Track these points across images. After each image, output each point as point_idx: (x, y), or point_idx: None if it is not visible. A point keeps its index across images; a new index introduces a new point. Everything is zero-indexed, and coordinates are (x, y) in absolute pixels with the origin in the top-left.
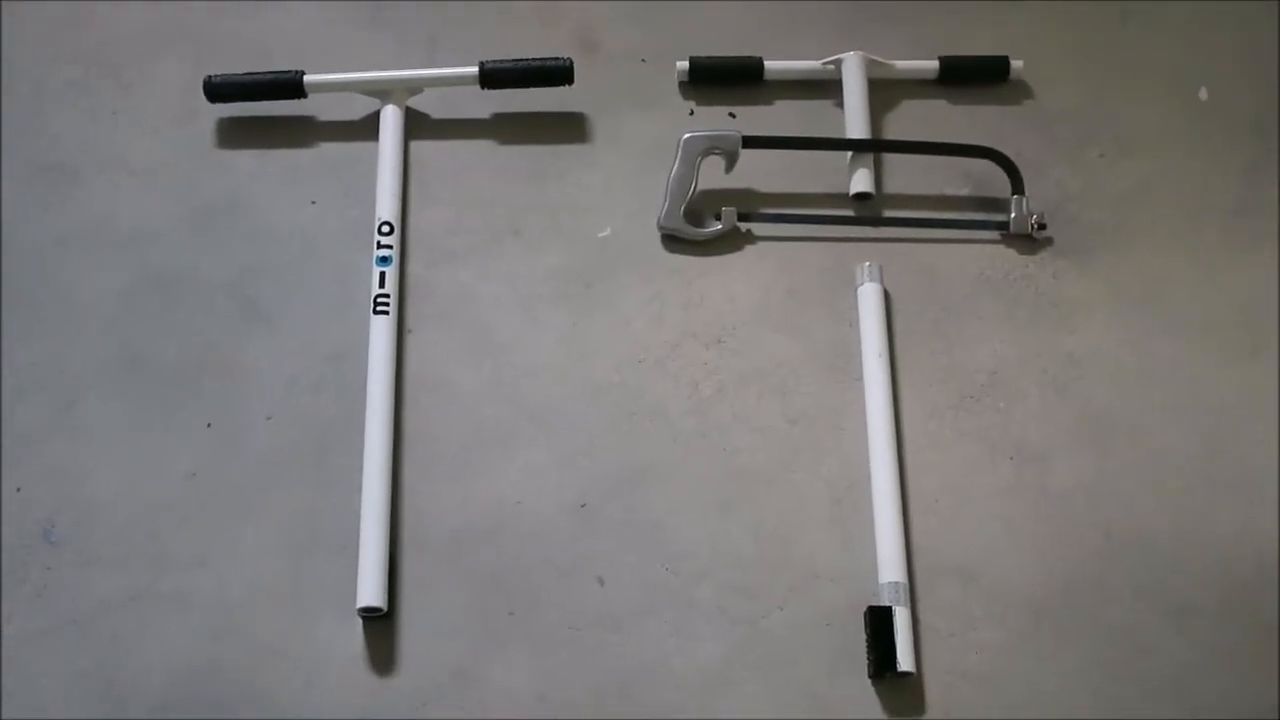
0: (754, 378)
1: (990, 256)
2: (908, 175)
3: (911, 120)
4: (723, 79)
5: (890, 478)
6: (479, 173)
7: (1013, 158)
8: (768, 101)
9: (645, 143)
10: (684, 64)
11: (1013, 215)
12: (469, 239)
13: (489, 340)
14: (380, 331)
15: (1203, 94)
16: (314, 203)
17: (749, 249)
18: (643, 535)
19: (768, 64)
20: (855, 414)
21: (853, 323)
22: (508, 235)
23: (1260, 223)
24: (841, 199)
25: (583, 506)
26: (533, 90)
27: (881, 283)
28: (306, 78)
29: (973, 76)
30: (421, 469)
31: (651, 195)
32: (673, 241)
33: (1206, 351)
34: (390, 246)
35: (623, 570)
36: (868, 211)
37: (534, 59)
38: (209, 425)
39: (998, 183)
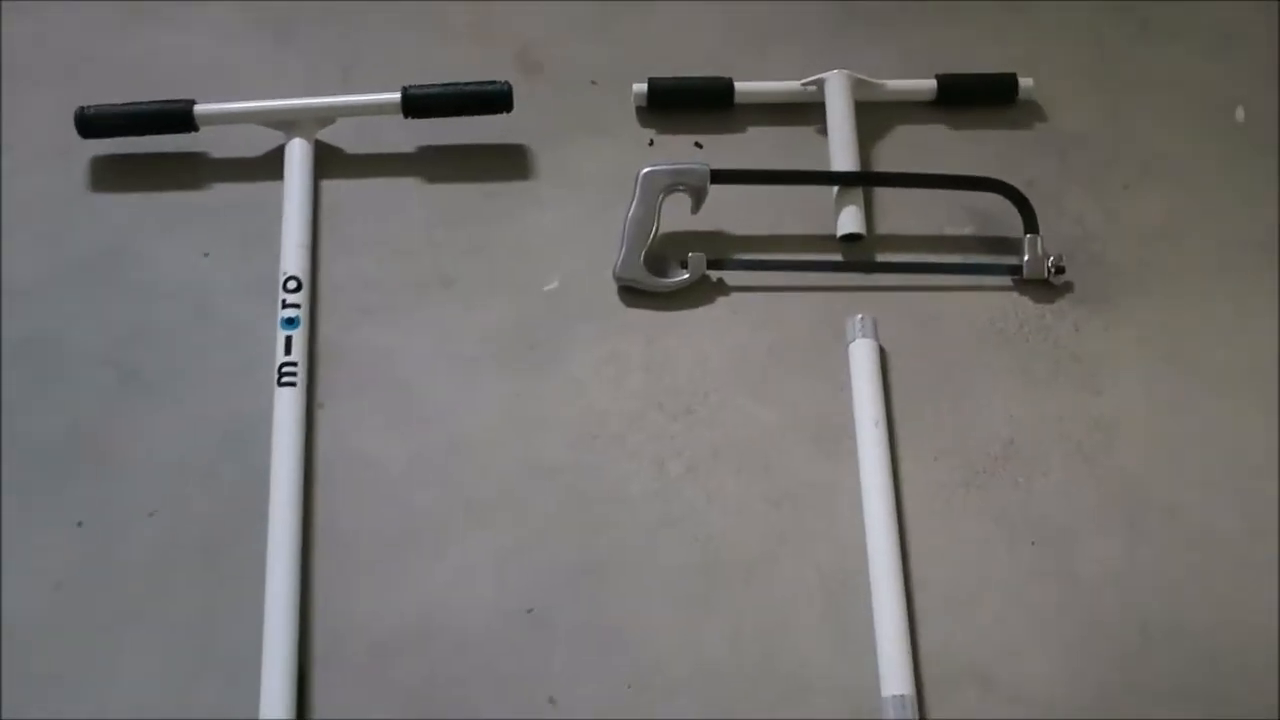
0: (730, 453)
1: (1001, 305)
2: (903, 213)
3: (907, 148)
4: (687, 103)
5: (892, 568)
6: (403, 216)
7: (1024, 190)
8: (739, 129)
9: (598, 178)
10: (641, 86)
11: (1026, 257)
12: (392, 294)
13: (416, 413)
14: (286, 406)
15: (1239, 114)
16: (207, 255)
17: (721, 301)
18: (601, 644)
19: (739, 85)
20: (849, 493)
21: (844, 385)
22: (437, 289)
23: None
24: (828, 241)
25: (529, 611)
26: (466, 119)
27: (876, 338)
28: (197, 108)
29: (976, 97)
30: (336, 568)
31: (606, 240)
32: (632, 294)
33: (1250, 413)
34: (298, 305)
35: (578, 687)
36: (858, 255)
37: (466, 83)
38: (80, 524)
39: (1008, 220)
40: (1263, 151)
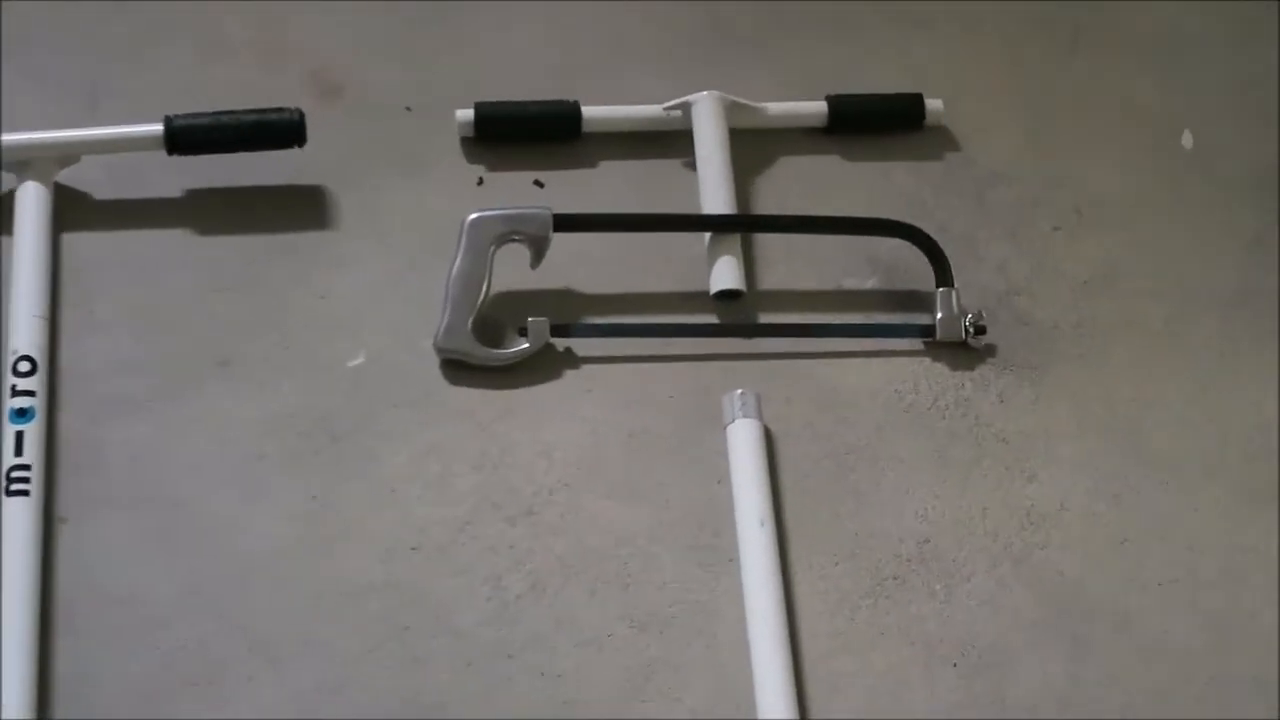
0: (583, 565)
1: (911, 374)
2: (791, 263)
3: (794, 185)
4: (524, 133)
5: (785, 701)
6: (168, 278)
7: (935, 235)
8: (589, 163)
9: (414, 227)
10: (467, 113)
11: (939, 315)
12: (154, 376)
13: (186, 527)
14: (17, 520)
15: (1186, 140)
16: None
17: (570, 376)
18: None
19: (587, 111)
20: (731, 611)
21: (722, 477)
22: (212, 369)
23: (1268, 317)
24: (700, 300)
25: None
26: (247, 156)
27: (760, 417)
28: None
29: (875, 123)
30: None
31: (425, 302)
32: (458, 369)
33: (1207, 501)
34: (32, 392)
35: None
36: (737, 316)
37: (247, 110)
38: None
39: (916, 270)
40: (1215, 186)
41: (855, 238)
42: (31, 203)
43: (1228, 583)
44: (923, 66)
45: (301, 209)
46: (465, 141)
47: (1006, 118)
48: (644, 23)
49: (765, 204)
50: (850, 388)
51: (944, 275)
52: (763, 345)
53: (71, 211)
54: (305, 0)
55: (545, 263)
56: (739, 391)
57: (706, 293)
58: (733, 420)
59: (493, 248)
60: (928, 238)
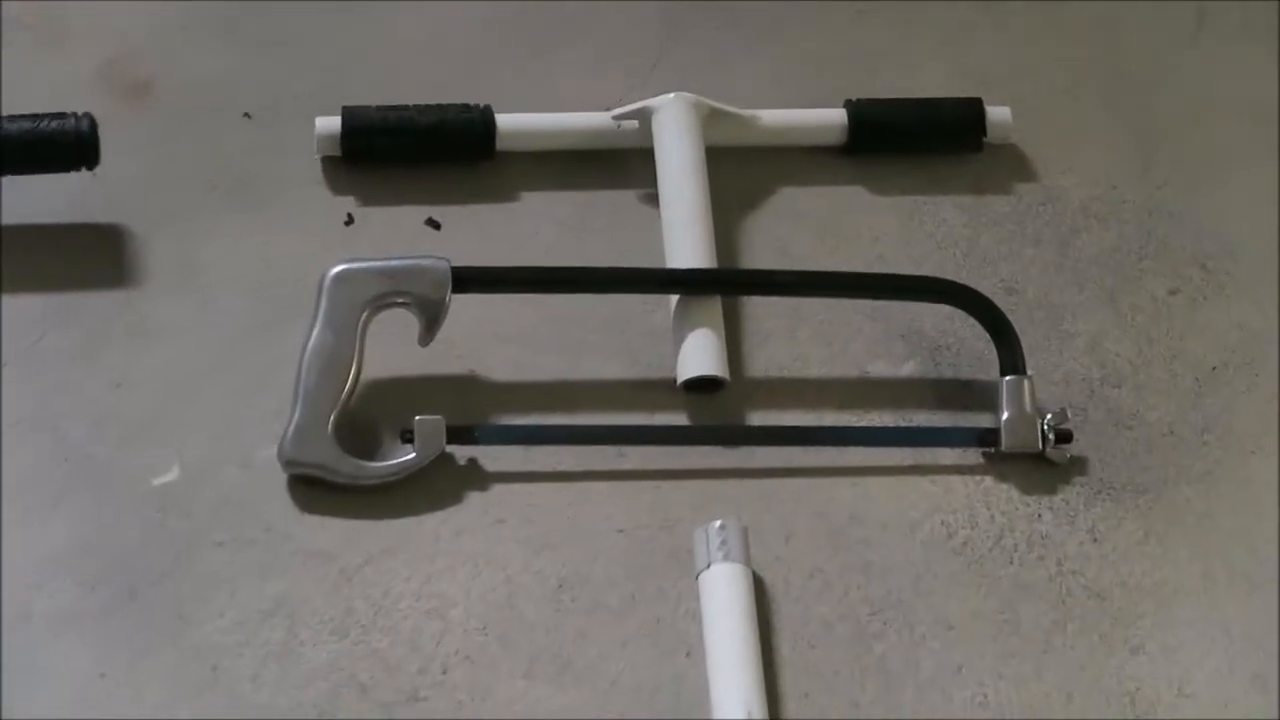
0: None
1: (966, 499)
2: (795, 340)
3: (799, 228)
4: (412, 151)
5: None
6: None
7: (1000, 300)
8: (505, 194)
9: (251, 284)
10: (330, 122)
11: (1005, 416)
12: None
13: None
14: None
15: None
16: None
17: (475, 501)
18: None
19: (503, 121)
20: None
21: (692, 648)
22: None
23: None
24: (662, 391)
25: None
26: (15, 180)
27: (747, 560)
28: None
29: (915, 139)
30: None
31: (266, 393)
32: (314, 490)
33: None
34: None
35: None
36: (717, 415)
37: (11, 118)
38: None
39: (973, 351)
40: None
41: (886, 304)
42: None
43: None
44: (983, 63)
45: (90, 257)
46: (329, 163)
47: (1101, 133)
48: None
49: (757, 255)
50: (877, 519)
51: (1012, 358)
52: (752, 458)
53: None
54: None
55: (442, 336)
56: (718, 524)
57: (672, 381)
58: (708, 565)
59: (365, 314)
60: (989, 304)
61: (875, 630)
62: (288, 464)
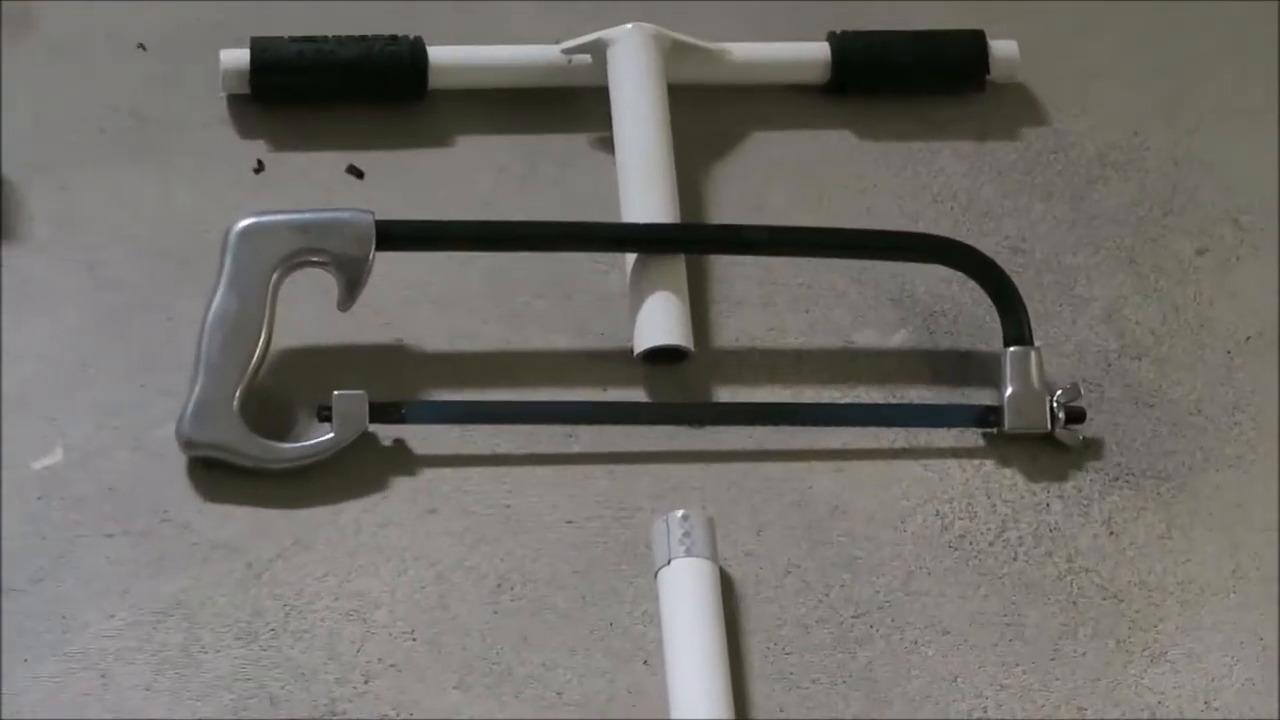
0: None
1: (964, 486)
2: (769, 306)
3: (774, 178)
4: (331, 89)
5: None
6: None
7: (1004, 260)
8: (438, 139)
9: (145, 240)
10: (237, 55)
11: (1009, 391)
12: None
13: None
14: None
15: None
16: None
17: (402, 487)
18: None
19: (435, 54)
20: None
21: (650, 655)
22: None
23: None
24: (617, 363)
25: None
26: None
27: (714, 555)
28: None
29: (907, 77)
30: None
31: (160, 364)
32: (217, 475)
33: None
34: None
35: None
36: (679, 391)
37: None
38: None
39: (972, 318)
40: None
41: (874, 264)
42: None
43: None
44: None
45: None
46: (235, 102)
47: (1119, 70)
48: None
49: (726, 208)
50: (863, 509)
51: (1017, 326)
52: (720, 439)
53: None
54: None
55: (364, 300)
56: (679, 513)
57: (629, 352)
58: (669, 561)
59: (276, 275)
60: (991, 265)
61: (860, 635)
62: (187, 444)
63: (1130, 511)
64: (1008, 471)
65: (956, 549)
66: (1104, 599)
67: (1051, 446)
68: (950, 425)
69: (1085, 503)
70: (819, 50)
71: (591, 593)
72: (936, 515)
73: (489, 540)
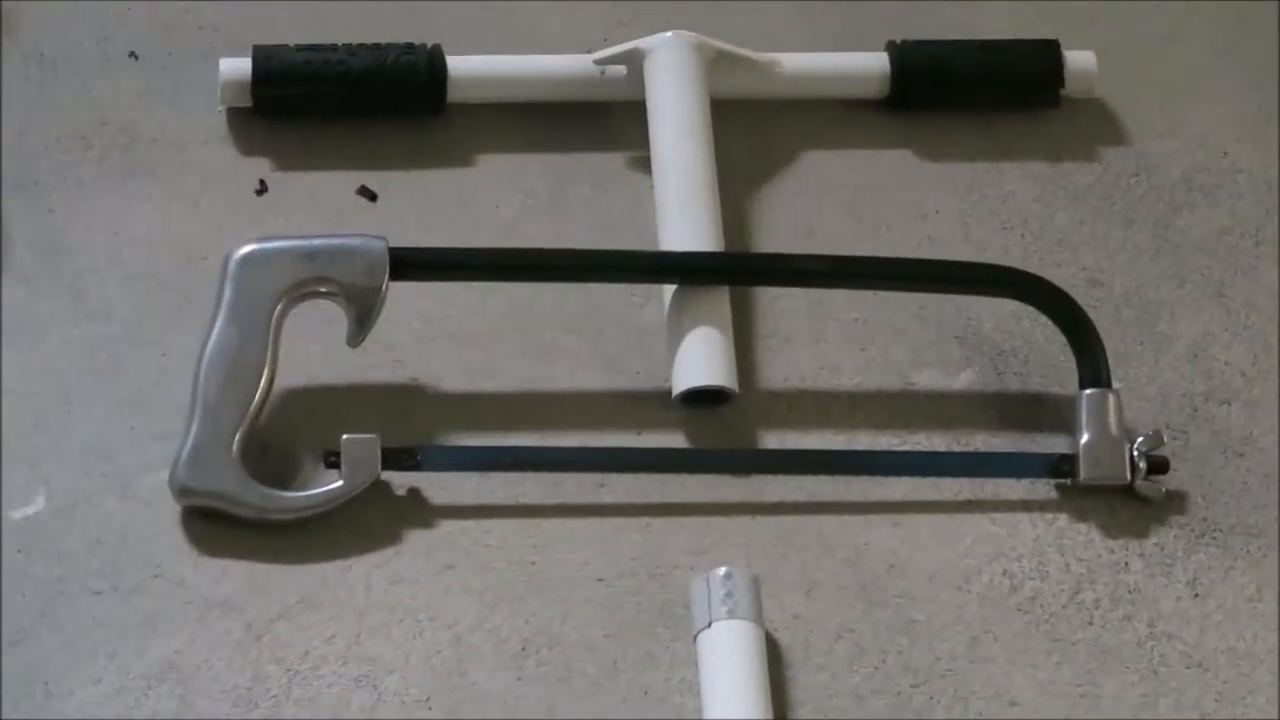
0: None
1: (1034, 543)
2: (821, 344)
3: (827, 202)
4: (341, 103)
5: None
6: None
7: (1079, 294)
8: (458, 159)
9: (136, 268)
10: (238, 64)
11: (1085, 439)
12: None
13: None
14: None
15: None
16: None
17: (416, 541)
18: None
19: (455, 65)
20: None
21: None
22: None
23: None
24: (655, 405)
25: None
26: None
27: (759, 618)
28: None
29: (974, 91)
30: None
31: (153, 404)
32: (215, 526)
33: None
34: None
35: None
36: (722, 437)
37: None
38: None
39: (1045, 356)
40: None
41: (937, 298)
42: None
43: None
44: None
45: None
46: (236, 116)
47: (1207, 84)
48: None
49: (775, 235)
50: (923, 567)
51: (1094, 367)
52: (765, 488)
53: None
54: None
55: (376, 335)
56: (721, 571)
57: (667, 392)
58: (709, 623)
59: (280, 307)
60: (1066, 299)
61: (919, 706)
62: (181, 493)
63: (1217, 571)
64: (1083, 527)
65: (1026, 612)
66: (1188, 668)
67: (1131, 499)
68: (1020, 475)
69: (1168, 561)
70: (877, 61)
71: (624, 658)
72: (1004, 574)
73: (512, 600)
